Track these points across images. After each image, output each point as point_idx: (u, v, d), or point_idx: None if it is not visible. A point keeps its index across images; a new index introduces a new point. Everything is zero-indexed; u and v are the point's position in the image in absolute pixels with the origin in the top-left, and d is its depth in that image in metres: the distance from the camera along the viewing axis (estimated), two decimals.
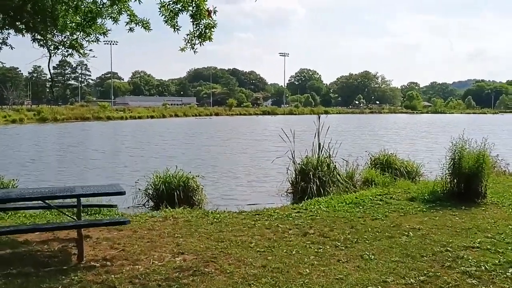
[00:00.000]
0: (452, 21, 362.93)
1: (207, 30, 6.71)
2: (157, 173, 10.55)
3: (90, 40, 7.31)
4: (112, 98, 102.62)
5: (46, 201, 5.30)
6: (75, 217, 5.68)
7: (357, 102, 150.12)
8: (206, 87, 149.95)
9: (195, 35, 6.74)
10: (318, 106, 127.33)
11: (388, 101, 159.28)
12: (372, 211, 7.68)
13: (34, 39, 7.85)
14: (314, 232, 6.30)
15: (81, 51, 7.57)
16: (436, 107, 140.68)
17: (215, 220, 7.13)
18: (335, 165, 11.15)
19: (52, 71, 8.18)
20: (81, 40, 7.35)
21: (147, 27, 6.98)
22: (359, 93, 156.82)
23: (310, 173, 10.83)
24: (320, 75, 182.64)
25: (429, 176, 13.11)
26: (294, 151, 11.42)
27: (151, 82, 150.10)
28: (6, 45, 8.27)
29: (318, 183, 10.66)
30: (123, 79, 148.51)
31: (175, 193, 9.77)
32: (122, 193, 5.59)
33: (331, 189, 10.67)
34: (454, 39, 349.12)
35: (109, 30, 7.33)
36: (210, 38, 6.79)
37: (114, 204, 6.57)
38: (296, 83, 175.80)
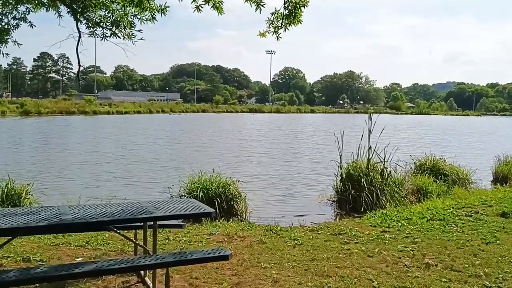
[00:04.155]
0: (432, 24, 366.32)
1: (297, 10, 5.38)
2: (191, 177, 9.20)
3: (144, 18, 5.90)
4: (96, 92, 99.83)
5: (112, 226, 3.91)
6: (145, 246, 4.30)
7: (341, 101, 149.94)
8: (190, 84, 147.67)
9: (282, 15, 5.41)
10: (304, 105, 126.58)
11: (371, 101, 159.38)
12: (471, 231, 6.46)
13: (60, 14, 6.43)
14: (435, 264, 5.02)
15: (127, 31, 6.14)
16: (420, 108, 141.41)
17: (294, 242, 5.81)
18: (390, 171, 9.91)
19: (79, 55, 6.66)
20: (131, 17, 5.93)
21: (219, 9, 5.60)
22: (343, 93, 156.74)
23: (362, 180, 9.58)
24: (304, 74, 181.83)
25: (479, 183, 12.09)
26: (341, 155, 10.13)
27: (134, 77, 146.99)
28: (26, 21, 6.81)
29: (370, 191, 9.45)
30: (105, 73, 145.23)
31: (216, 202, 8.42)
32: (208, 214, 4.26)
33: (385, 199, 9.49)
34: (433, 41, 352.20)
35: (168, 6, 5.94)
36: (299, 21, 5.46)
37: (181, 224, 5.20)
38: (280, 81, 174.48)
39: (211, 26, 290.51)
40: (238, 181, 9.30)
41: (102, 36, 6.27)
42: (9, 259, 4.88)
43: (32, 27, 6.62)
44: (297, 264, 4.94)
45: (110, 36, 6.13)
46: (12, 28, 6.59)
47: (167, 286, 3.73)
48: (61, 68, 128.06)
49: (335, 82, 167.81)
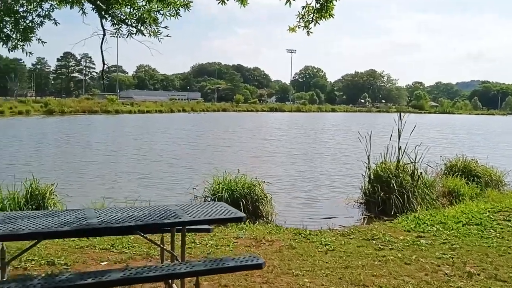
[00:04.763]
0: (454, 21, 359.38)
1: (328, 3, 5.13)
2: (216, 177, 9.02)
3: (167, 13, 5.72)
4: (118, 91, 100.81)
5: (140, 231, 3.73)
6: (172, 252, 4.11)
7: (362, 100, 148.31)
8: (210, 83, 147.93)
9: (314, 9, 5.17)
10: (324, 104, 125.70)
11: (393, 100, 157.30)
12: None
13: (84, 12, 6.33)
14: (477, 273, 4.72)
15: (152, 28, 5.98)
16: (443, 108, 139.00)
17: (325, 247, 5.55)
18: (421, 173, 9.55)
19: (103, 53, 6.53)
20: (155, 13, 5.76)
21: (244, 1, 5.40)
22: (364, 92, 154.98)
23: (392, 181, 9.25)
24: (324, 73, 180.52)
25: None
26: (369, 155, 9.81)
27: (156, 76, 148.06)
28: (50, 19, 6.71)
29: (400, 194, 9.12)
30: (127, 73, 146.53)
31: (241, 203, 8.22)
32: (240, 220, 4.05)
33: (416, 202, 9.15)
34: (456, 39, 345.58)
35: (191, 1, 5.76)
36: (331, 14, 5.21)
37: (208, 228, 5.01)
38: (301, 80, 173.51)
39: (231, 26, 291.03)
40: (264, 182, 9.09)
41: (127, 33, 6.14)
42: (33, 262, 4.76)
43: (56, 25, 6.51)
44: (331, 271, 4.69)
45: (135, 34, 5.99)
46: (37, 26, 6.51)
47: None
48: (84, 68, 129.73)
49: (356, 80, 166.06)
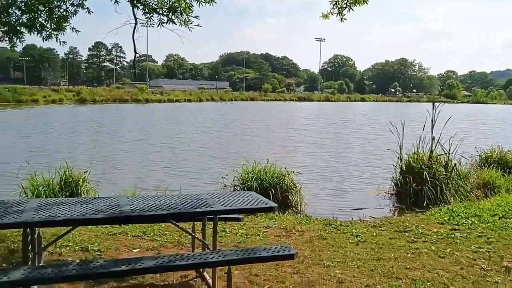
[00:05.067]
0: (488, 9, 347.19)
1: None
2: (245, 166, 9.02)
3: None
4: (148, 80, 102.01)
5: (172, 219, 3.75)
6: (204, 241, 4.13)
7: (393, 90, 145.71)
8: (239, 72, 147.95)
9: None
10: (353, 93, 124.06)
11: (425, 90, 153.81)
12: None
13: (117, 0, 6.35)
14: None
15: (183, 17, 5.96)
16: (477, 97, 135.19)
17: (356, 238, 5.48)
18: (455, 164, 9.31)
19: (135, 42, 6.56)
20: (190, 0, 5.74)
21: None
22: (395, 81, 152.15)
23: (425, 172, 9.05)
24: (354, 62, 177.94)
25: None
26: (401, 146, 9.62)
27: (185, 65, 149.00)
28: (83, 8, 6.77)
29: (433, 185, 8.91)
30: (157, 62, 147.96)
31: (270, 192, 8.19)
32: (271, 209, 4.02)
33: (449, 193, 8.93)
34: (491, 27, 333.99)
35: None
36: (365, 0, 5.08)
37: (239, 217, 5.00)
38: (330, 69, 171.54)
39: (260, 15, 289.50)
40: (293, 172, 9.04)
41: (158, 22, 6.14)
42: (67, 248, 4.86)
43: (90, 13, 6.57)
44: (362, 263, 4.63)
45: (166, 23, 5.98)
46: (70, 15, 6.58)
47: (229, 284, 3.52)
48: (115, 57, 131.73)
49: (387, 69, 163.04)
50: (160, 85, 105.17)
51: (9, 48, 7.41)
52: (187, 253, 4.25)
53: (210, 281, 3.94)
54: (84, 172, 8.18)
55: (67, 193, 7.61)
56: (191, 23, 5.97)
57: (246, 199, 4.07)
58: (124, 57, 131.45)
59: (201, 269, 4.19)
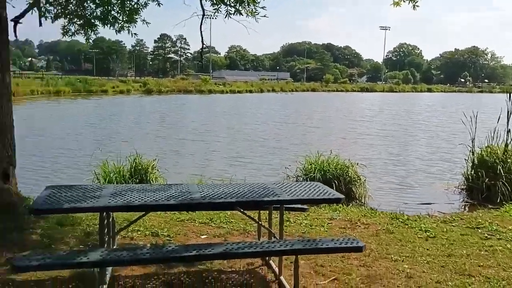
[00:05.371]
0: None
1: None
2: (308, 157, 8.98)
3: None
4: (211, 72, 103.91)
5: (239, 207, 3.81)
6: (270, 229, 4.16)
7: (462, 80, 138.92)
8: (300, 62, 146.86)
9: None
10: (420, 84, 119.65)
11: (498, 80, 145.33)
12: None
13: None
14: None
15: (250, 8, 6.00)
16: None
17: (426, 233, 5.31)
18: None
19: (202, 33, 6.69)
20: None
21: None
22: (465, 70, 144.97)
23: (499, 167, 8.58)
24: (420, 50, 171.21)
25: None
26: (474, 139, 9.18)
27: (247, 56, 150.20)
28: (153, 0, 6.99)
29: (508, 180, 8.44)
30: (219, 54, 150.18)
31: (334, 184, 8.10)
32: (338, 201, 3.99)
33: None
34: None
35: None
36: None
37: (304, 207, 5.01)
38: (394, 58, 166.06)
39: (322, 4, 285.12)
40: (357, 163, 8.89)
41: (226, 13, 6.22)
42: (139, 232, 5.07)
43: (159, 6, 6.78)
44: (432, 259, 4.48)
45: (234, 14, 6.06)
46: (141, 7, 6.82)
47: (296, 274, 3.53)
48: (179, 49, 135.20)
49: (456, 58, 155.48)
50: (222, 76, 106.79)
51: (84, 41, 7.80)
52: (253, 240, 4.31)
53: (276, 269, 3.98)
54: (153, 160, 8.49)
55: (137, 180, 7.94)
56: (258, 14, 6.01)
57: (312, 189, 4.04)
58: (188, 49, 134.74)
59: (266, 257, 4.23)
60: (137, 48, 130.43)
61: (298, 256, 3.57)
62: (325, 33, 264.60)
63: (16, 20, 6.07)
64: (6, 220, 5.02)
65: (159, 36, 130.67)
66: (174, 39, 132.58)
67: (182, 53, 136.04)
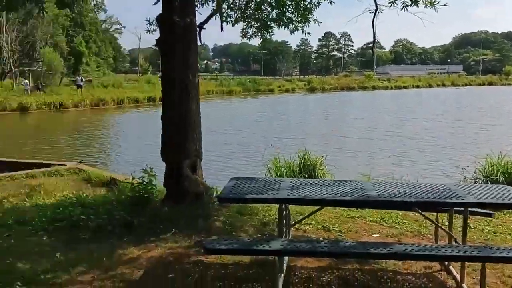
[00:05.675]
0: None
1: None
2: (489, 158, 8.21)
3: None
4: (375, 67, 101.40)
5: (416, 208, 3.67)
6: (451, 233, 3.92)
7: None
8: (474, 54, 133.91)
9: None
10: None
11: None
12: None
13: None
14: None
15: None
16: None
17: None
18: None
19: (375, 29, 6.56)
20: None
21: None
22: None
23: None
24: None
25: None
26: None
27: (413, 50, 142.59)
28: None
29: None
30: (384, 48, 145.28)
31: None
32: None
33: None
34: None
35: None
36: None
37: (490, 212, 4.60)
38: None
39: None
40: None
41: (402, 6, 6.01)
42: (311, 226, 5.22)
43: (332, 4, 6.85)
44: None
45: (411, 5, 5.82)
46: (314, 7, 6.98)
47: (482, 283, 3.27)
48: (343, 46, 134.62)
49: None
50: (386, 72, 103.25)
51: (260, 44, 8.30)
52: (431, 243, 4.11)
53: (457, 276, 3.74)
54: (321, 157, 8.65)
55: (306, 175, 8.17)
56: (437, 3, 5.67)
57: (501, 193, 3.71)
58: (352, 45, 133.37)
59: (446, 263, 3.99)
60: (302, 47, 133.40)
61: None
62: (503, 20, 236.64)
63: (201, 26, 6.71)
64: (194, 208, 5.62)
65: (323, 35, 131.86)
66: (338, 36, 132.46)
67: (345, 50, 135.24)
